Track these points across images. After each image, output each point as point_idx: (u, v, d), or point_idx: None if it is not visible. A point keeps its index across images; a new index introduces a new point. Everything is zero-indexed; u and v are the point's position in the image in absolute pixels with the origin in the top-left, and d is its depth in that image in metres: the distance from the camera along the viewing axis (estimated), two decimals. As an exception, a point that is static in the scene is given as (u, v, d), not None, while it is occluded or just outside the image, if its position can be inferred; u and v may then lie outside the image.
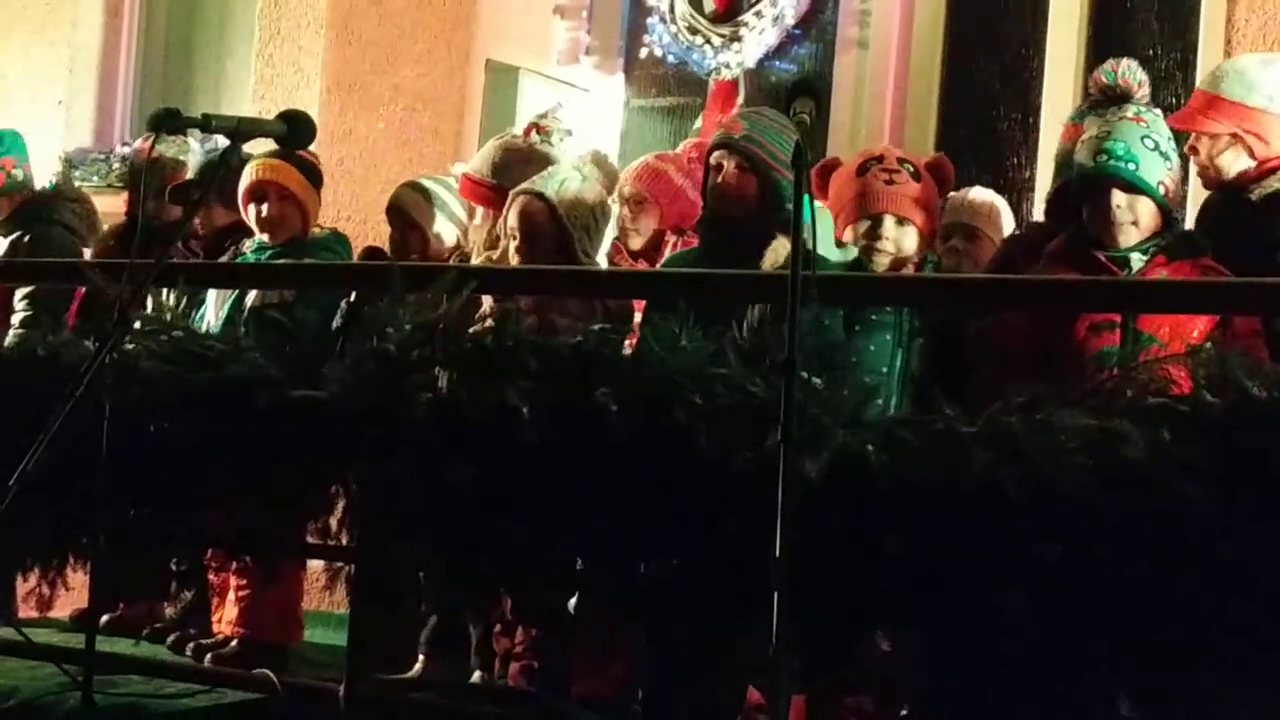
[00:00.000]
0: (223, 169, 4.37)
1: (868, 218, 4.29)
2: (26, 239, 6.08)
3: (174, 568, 5.13)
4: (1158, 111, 4.47)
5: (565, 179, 4.88)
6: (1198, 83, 4.76)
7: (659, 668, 4.35)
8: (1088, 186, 4.24)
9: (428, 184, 5.54)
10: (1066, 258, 4.26)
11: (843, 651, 3.54)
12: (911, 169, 4.36)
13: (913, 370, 4.19)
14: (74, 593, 4.81)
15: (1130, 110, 4.39)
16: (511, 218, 4.87)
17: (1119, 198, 4.17)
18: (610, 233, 5.20)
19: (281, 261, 5.26)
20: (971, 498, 3.23)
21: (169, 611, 5.56)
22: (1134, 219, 4.17)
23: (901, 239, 4.29)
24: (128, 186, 6.54)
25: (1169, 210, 4.21)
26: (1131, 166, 4.15)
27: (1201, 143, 4.59)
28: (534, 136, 5.39)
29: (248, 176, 5.32)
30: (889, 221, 4.29)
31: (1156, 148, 4.19)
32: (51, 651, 4.55)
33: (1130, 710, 3.32)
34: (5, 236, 6.16)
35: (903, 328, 4.20)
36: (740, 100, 7.24)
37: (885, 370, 4.16)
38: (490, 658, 4.84)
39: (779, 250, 4.44)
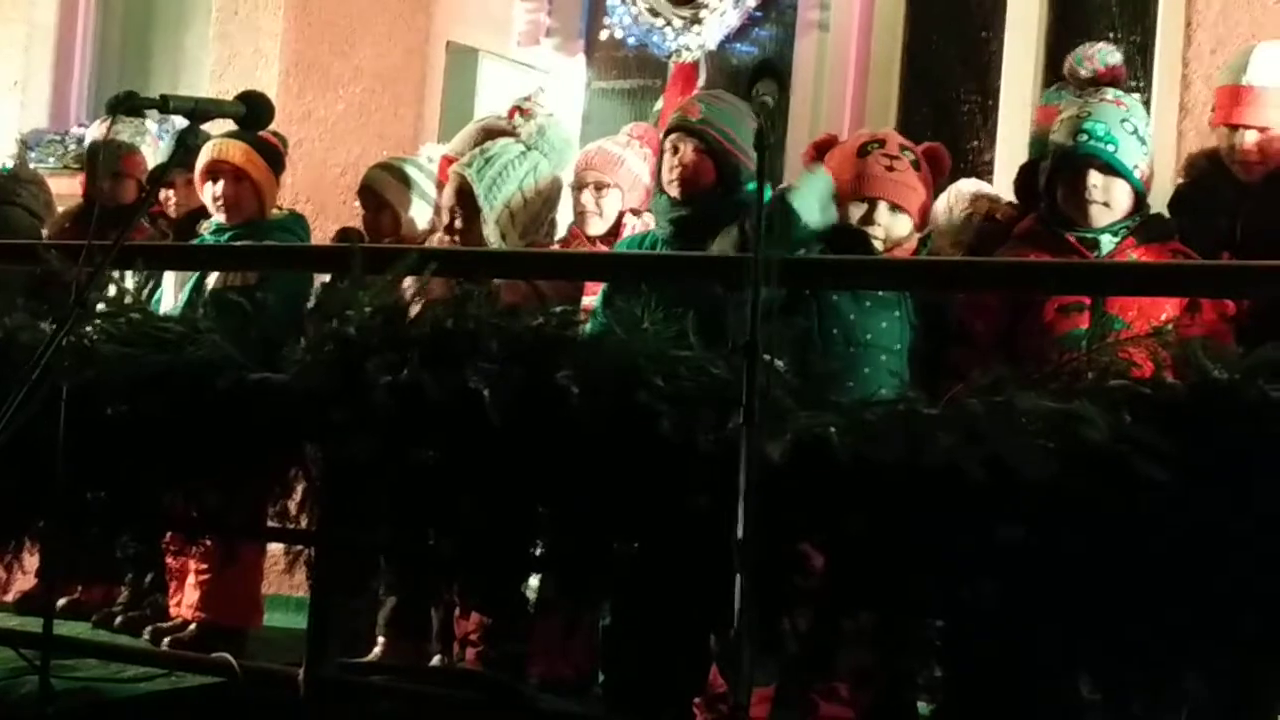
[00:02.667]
0: (181, 151, 4.37)
1: (863, 200, 4.29)
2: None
3: (132, 551, 5.09)
4: (1136, 96, 4.47)
5: (494, 157, 4.87)
6: (1220, 80, 4.75)
7: (620, 650, 4.36)
8: (1065, 165, 4.23)
9: (401, 165, 5.53)
10: (1036, 238, 4.27)
11: (808, 639, 3.54)
12: (912, 156, 4.35)
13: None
14: (28, 575, 4.77)
15: (1110, 93, 4.40)
16: (446, 194, 4.89)
17: (1095, 178, 4.17)
18: (563, 213, 5.19)
19: (241, 243, 5.22)
20: (933, 479, 3.23)
21: (125, 594, 5.53)
22: (1107, 200, 4.18)
23: (893, 225, 4.29)
24: (84, 169, 6.50)
25: (1143, 195, 4.22)
26: (1111, 148, 4.15)
27: (1246, 136, 4.55)
28: (517, 119, 5.36)
29: (203, 156, 5.29)
30: (883, 207, 4.28)
31: (1135, 132, 4.20)
32: (8, 635, 4.52)
33: (1091, 690, 3.33)
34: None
35: (905, 306, 4.20)
36: (701, 82, 7.24)
37: (898, 348, 4.17)
38: (451, 641, 4.83)
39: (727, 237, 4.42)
